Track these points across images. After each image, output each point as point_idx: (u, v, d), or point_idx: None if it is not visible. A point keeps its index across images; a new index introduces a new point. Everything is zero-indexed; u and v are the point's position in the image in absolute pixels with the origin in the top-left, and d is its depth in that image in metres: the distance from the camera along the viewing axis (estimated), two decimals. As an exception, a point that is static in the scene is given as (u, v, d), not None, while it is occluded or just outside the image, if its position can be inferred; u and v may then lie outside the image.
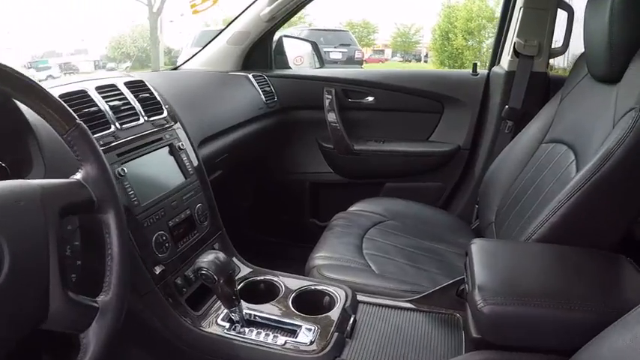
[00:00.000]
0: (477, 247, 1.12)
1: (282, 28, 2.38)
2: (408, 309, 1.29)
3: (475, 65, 2.19)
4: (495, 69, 2.12)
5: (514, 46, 1.97)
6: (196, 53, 2.25)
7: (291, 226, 2.36)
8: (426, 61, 23.17)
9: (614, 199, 1.15)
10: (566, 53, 2.02)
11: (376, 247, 1.59)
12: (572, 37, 1.97)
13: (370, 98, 2.20)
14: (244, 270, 1.40)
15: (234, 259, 1.43)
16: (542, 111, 1.66)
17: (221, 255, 1.10)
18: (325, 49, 12.06)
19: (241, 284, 1.32)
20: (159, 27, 16.22)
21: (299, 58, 3.72)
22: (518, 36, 1.96)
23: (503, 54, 2.10)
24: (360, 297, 1.31)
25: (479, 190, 1.81)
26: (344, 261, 1.47)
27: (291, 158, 2.32)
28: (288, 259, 1.70)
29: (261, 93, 2.09)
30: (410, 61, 24.42)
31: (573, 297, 0.94)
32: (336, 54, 12.42)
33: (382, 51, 25.93)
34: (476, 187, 2.00)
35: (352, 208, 1.87)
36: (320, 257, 1.49)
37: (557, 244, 1.14)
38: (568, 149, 1.38)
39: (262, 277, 1.36)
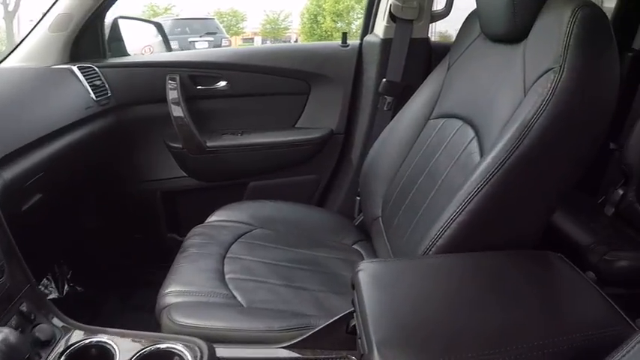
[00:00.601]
0: (365, 276, 0.83)
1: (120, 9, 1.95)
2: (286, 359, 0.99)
3: (345, 35, 1.90)
4: (368, 37, 1.86)
5: (390, 9, 1.71)
6: (15, 47, 1.76)
7: (147, 244, 1.96)
8: (296, 47, 23.07)
9: (535, 183, 0.93)
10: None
11: (242, 268, 1.26)
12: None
13: (222, 83, 1.83)
14: (74, 334, 1.03)
15: (56, 320, 1.05)
16: (427, 82, 1.42)
17: (11, 336, 0.80)
18: (191, 39, 11.60)
19: (62, 358, 0.96)
20: (16, 26, 14.75)
21: (148, 48, 3.24)
22: None
23: (377, 19, 1.84)
24: (220, 351, 0.98)
25: (359, 180, 1.54)
26: (202, 295, 1.14)
27: (137, 164, 1.90)
28: (149, 285, 1.36)
29: (89, 89, 1.66)
30: (280, 48, 24.18)
31: (517, 338, 0.68)
32: (202, 43, 11.91)
33: (252, 39, 25.51)
34: (355, 176, 1.74)
35: (211, 219, 1.52)
36: (171, 294, 1.15)
37: (469, 250, 0.89)
38: (465, 124, 1.14)
39: (93, 340, 1.01)
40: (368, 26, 1.90)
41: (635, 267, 1.56)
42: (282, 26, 24.73)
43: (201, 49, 2.07)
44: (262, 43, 25.13)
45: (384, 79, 1.73)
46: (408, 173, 1.28)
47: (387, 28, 1.75)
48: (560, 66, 0.89)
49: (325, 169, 1.92)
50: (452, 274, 0.86)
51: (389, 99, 1.74)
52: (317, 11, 17.82)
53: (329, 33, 17.31)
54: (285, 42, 24.48)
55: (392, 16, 1.73)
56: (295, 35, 23.70)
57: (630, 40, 2.18)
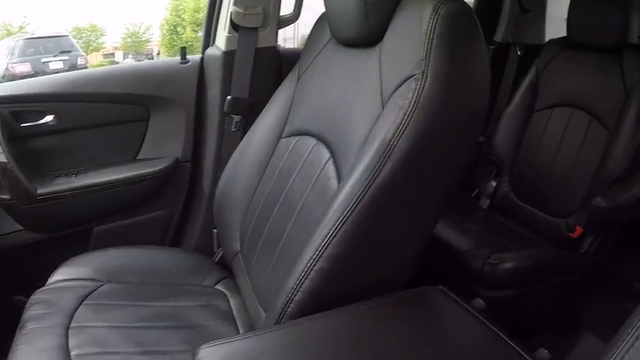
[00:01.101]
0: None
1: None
2: None
3: (183, 50, 1.69)
4: (210, 51, 1.66)
5: (231, 18, 1.54)
6: None
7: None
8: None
9: (405, 210, 0.81)
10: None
11: (90, 339, 1.05)
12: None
13: (49, 117, 1.56)
14: None
15: None
16: (276, 95, 1.30)
17: None
18: (44, 60, 10.60)
19: None
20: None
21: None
22: (235, 4, 1.52)
23: (218, 30, 1.65)
24: None
25: (213, 211, 1.38)
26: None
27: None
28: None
29: None
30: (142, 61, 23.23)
31: None
32: (56, 64, 10.92)
33: (112, 54, 24.17)
34: (209, 207, 1.56)
35: (52, 280, 1.28)
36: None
37: (332, 301, 0.76)
38: (319, 143, 1.03)
39: None
40: (209, 38, 1.69)
41: (520, 267, 1.55)
42: (143, 39, 23.73)
43: (24, 80, 1.76)
44: (124, 58, 23.94)
45: (229, 97, 1.56)
46: (263, 200, 1.14)
47: (228, 39, 1.57)
48: (423, 72, 0.77)
49: (176, 202, 1.71)
50: (310, 350, 0.70)
51: (236, 118, 1.57)
52: (176, 22, 17.22)
53: (190, 43, 16.80)
54: (147, 55, 23.51)
55: (234, 25, 1.55)
56: (157, 47, 22.83)
57: (492, 33, 2.25)
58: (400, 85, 0.81)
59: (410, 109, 0.76)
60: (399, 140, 0.76)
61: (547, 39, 2.13)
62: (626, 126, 1.68)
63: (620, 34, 1.75)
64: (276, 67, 1.62)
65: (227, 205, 1.28)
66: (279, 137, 1.20)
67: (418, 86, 0.77)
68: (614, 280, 2.00)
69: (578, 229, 1.70)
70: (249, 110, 1.55)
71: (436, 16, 0.80)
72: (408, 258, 0.86)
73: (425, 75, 0.77)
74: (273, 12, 1.59)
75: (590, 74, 1.84)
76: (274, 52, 1.62)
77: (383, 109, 0.83)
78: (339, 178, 0.90)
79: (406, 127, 0.76)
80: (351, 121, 0.92)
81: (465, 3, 0.84)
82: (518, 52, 2.20)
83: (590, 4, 1.80)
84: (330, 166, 0.94)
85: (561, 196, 1.84)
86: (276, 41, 1.65)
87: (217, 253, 1.42)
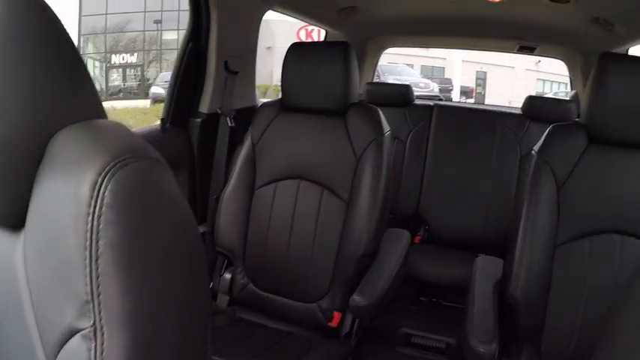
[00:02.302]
0: None
1: None
2: None
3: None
4: None
5: None
6: None
7: None
8: None
9: None
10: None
11: None
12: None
13: None
14: None
15: None
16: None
17: None
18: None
19: None
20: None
21: None
22: None
23: None
24: None
25: None
26: None
27: None
28: None
29: None
30: None
31: None
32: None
33: None
34: None
35: None
36: None
37: None
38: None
39: None
40: None
41: None
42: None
43: None
44: None
45: None
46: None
47: None
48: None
49: None
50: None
51: None
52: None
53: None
54: None
55: None
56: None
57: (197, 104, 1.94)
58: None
59: None
60: None
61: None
62: (362, 198, 1.57)
63: (343, 97, 1.66)
64: None
65: None
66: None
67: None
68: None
69: (336, 316, 1.54)
70: None
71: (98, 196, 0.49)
72: None
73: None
74: None
75: (314, 140, 1.69)
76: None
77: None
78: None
79: None
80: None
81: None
82: (230, 123, 1.94)
83: (305, 74, 1.68)
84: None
85: (306, 278, 1.64)
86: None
87: None
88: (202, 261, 0.57)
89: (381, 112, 1.69)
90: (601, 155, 1.38)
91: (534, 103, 2.61)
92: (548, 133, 1.44)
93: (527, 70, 20.54)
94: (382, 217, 1.61)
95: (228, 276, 1.74)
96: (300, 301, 1.65)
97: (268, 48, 12.67)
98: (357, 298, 1.40)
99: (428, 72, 19.34)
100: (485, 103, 16.82)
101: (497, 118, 2.60)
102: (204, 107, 1.94)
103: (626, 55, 1.40)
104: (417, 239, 2.51)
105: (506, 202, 2.44)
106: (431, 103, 2.85)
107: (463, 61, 19.53)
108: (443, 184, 2.59)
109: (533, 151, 1.44)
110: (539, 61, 18.82)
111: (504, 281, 1.42)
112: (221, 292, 1.75)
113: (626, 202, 1.35)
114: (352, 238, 1.57)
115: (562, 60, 3.09)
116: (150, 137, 1.78)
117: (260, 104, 1.95)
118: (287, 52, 1.70)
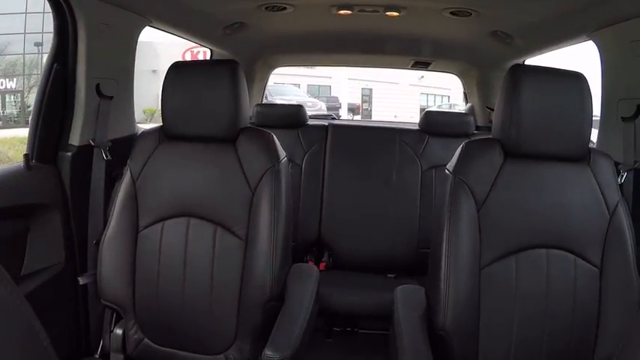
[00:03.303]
0: None
1: None
2: None
3: None
4: None
5: None
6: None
7: None
8: None
9: None
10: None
11: None
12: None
13: None
14: None
15: None
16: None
17: None
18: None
19: None
20: None
21: None
22: None
23: None
24: None
25: None
26: None
27: None
28: None
29: None
30: None
31: None
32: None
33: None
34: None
35: None
36: None
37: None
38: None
39: None
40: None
41: None
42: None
43: None
44: None
45: None
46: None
47: None
48: None
49: None
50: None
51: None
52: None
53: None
54: None
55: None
56: None
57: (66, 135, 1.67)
58: None
59: None
60: None
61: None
62: (261, 234, 1.41)
63: (233, 121, 1.49)
64: None
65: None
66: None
67: None
68: None
69: None
70: None
71: None
72: None
73: None
74: None
75: (202, 172, 1.51)
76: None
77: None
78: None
79: None
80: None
81: None
82: (105, 156, 1.68)
83: (188, 97, 1.49)
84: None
85: (207, 328, 1.45)
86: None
87: None
88: None
89: (275, 137, 1.54)
90: (518, 170, 1.34)
91: (432, 118, 2.60)
92: (462, 151, 1.37)
93: (410, 85, 21.55)
94: (285, 253, 1.46)
95: (119, 331, 1.50)
96: (204, 354, 1.46)
97: (154, 71, 12.16)
98: (269, 354, 1.22)
99: (314, 91, 19.63)
100: (373, 118, 17.39)
101: (395, 134, 2.55)
102: (75, 139, 1.66)
103: (536, 67, 1.37)
104: (322, 266, 2.37)
105: (411, 220, 2.39)
106: (325, 122, 2.76)
107: (349, 79, 20.11)
108: (344, 206, 2.48)
109: (447, 171, 1.37)
110: (423, 77, 19.82)
111: (432, 313, 1.33)
112: (113, 350, 1.50)
113: (546, 215, 1.32)
114: (254, 282, 1.41)
115: (456, 75, 3.14)
116: (11, 178, 1.51)
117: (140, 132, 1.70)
118: (167, 72, 1.51)
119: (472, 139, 1.63)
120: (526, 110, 1.29)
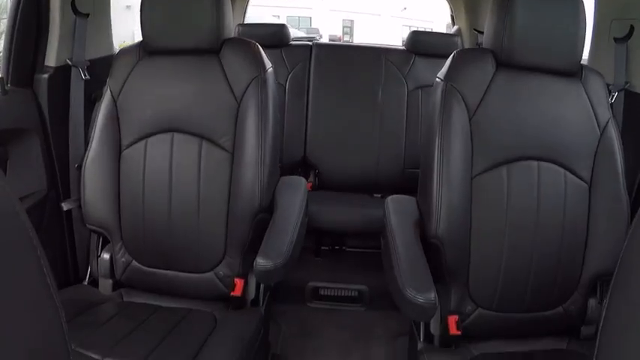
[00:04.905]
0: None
1: None
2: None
3: None
4: None
5: None
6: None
7: None
8: None
9: None
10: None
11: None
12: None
13: None
14: None
15: None
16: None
17: None
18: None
19: None
20: None
21: None
22: None
23: None
24: None
25: None
26: None
27: None
28: None
29: None
30: None
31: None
32: None
33: None
34: None
35: None
36: None
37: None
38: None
39: None
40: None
41: None
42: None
43: None
44: None
45: None
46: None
47: None
48: None
49: None
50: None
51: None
52: None
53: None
54: None
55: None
56: None
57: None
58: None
59: None
60: None
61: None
62: (248, 145, 1.39)
63: (216, 32, 1.43)
64: None
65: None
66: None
67: None
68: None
69: (238, 283, 1.38)
70: None
71: None
72: None
73: None
74: None
75: (184, 85, 1.46)
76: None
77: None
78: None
79: None
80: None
81: None
82: (84, 76, 1.61)
83: (168, 6, 1.43)
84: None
85: (196, 245, 1.44)
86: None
87: None
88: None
89: (260, 47, 1.50)
90: (510, 80, 1.33)
91: (418, 37, 2.55)
92: (453, 59, 1.35)
93: (392, 17, 21.12)
94: (274, 164, 1.44)
95: (106, 256, 1.49)
96: (193, 272, 1.46)
97: (127, 7, 11.72)
98: (261, 262, 1.22)
99: (294, 22, 19.17)
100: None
101: (381, 54, 2.50)
102: (52, 60, 1.59)
103: None
104: (309, 186, 2.38)
105: (397, 139, 2.39)
106: (309, 42, 2.69)
107: (330, 10, 19.62)
108: (329, 126, 2.46)
109: (438, 79, 1.34)
110: (405, 8, 19.41)
111: (424, 221, 1.34)
112: (102, 276, 1.50)
113: (537, 126, 1.31)
114: (243, 194, 1.39)
115: None
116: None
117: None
118: None
119: None
120: (519, 19, 1.26)
